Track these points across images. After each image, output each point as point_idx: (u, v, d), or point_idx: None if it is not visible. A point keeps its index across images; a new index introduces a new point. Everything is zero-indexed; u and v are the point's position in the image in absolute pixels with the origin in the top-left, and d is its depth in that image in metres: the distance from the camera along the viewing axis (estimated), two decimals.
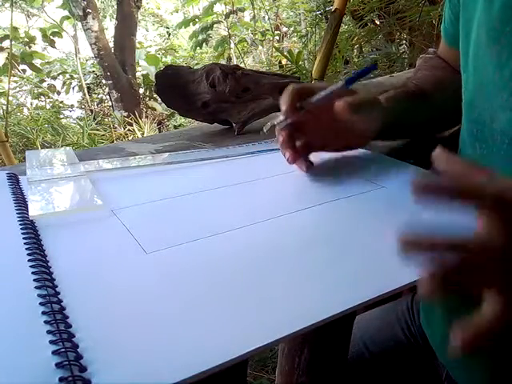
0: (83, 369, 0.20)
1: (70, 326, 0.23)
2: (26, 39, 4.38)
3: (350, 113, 0.40)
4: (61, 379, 0.19)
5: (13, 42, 3.86)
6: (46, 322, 0.23)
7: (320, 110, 0.44)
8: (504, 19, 0.38)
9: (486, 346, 0.25)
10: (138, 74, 4.34)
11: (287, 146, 0.44)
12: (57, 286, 0.26)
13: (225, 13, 3.66)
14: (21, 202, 0.37)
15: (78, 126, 3.32)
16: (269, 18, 4.52)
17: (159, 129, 4.06)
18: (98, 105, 4.78)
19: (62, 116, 4.03)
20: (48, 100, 4.26)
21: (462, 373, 0.47)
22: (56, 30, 4.44)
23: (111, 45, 3.87)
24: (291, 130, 0.44)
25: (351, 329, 0.52)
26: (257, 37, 4.30)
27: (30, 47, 4.37)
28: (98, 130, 3.20)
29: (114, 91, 3.66)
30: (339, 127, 0.45)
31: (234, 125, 0.66)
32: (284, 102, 0.43)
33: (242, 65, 3.20)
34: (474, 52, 0.42)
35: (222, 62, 4.11)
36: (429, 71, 0.57)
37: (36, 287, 0.25)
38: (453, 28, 0.51)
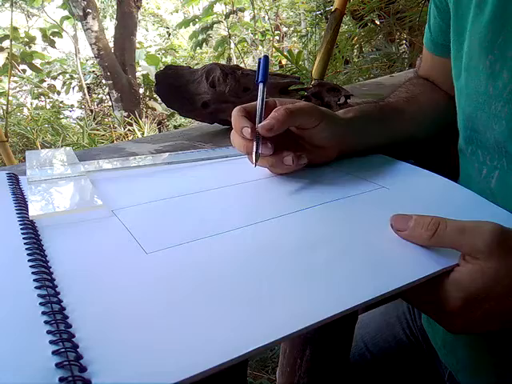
0: (83, 369, 0.20)
1: (70, 326, 0.23)
2: (26, 39, 4.38)
3: (287, 117, 0.40)
4: (61, 379, 0.19)
5: (13, 42, 3.86)
6: (46, 322, 0.23)
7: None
8: (495, 30, 0.38)
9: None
10: (137, 74, 4.34)
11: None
12: (57, 286, 0.26)
13: (225, 13, 3.67)
14: (21, 202, 0.36)
15: (78, 126, 3.32)
16: (269, 18, 4.53)
17: (159, 129, 4.06)
18: (98, 105, 4.78)
19: (62, 116, 4.03)
20: (48, 100, 4.26)
21: (465, 374, 0.47)
22: (56, 30, 4.45)
23: (111, 45, 3.87)
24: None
25: (353, 330, 0.52)
26: (257, 37, 4.30)
27: (30, 47, 4.38)
28: (97, 130, 3.20)
29: (113, 91, 3.67)
30: (297, 140, 0.43)
31: None
32: (244, 126, 0.40)
33: (242, 65, 3.20)
34: (466, 62, 0.42)
35: (222, 62, 4.11)
36: (403, 88, 0.56)
37: (36, 287, 0.25)
38: (442, 37, 0.51)
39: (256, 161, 0.41)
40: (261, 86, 0.44)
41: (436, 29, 0.52)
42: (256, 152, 0.40)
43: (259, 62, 0.45)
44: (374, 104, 0.50)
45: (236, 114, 0.41)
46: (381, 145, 0.48)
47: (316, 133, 0.42)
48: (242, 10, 4.31)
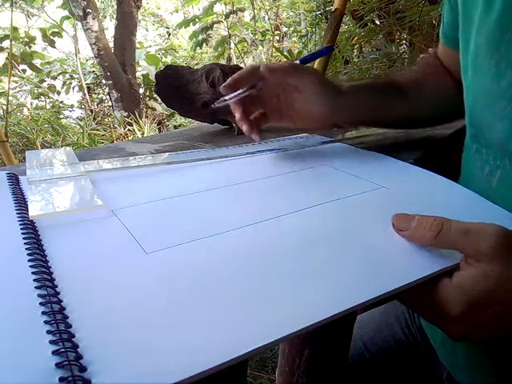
0: (83, 369, 0.20)
1: (70, 326, 0.23)
2: (26, 39, 4.38)
3: (286, 69, 0.45)
4: (61, 379, 0.19)
5: (13, 42, 3.86)
6: (46, 322, 0.23)
7: (276, 84, 0.48)
8: (502, 28, 0.38)
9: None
10: (138, 74, 4.34)
11: (242, 119, 0.48)
12: (57, 286, 0.26)
13: (225, 13, 3.66)
14: (21, 202, 0.36)
15: (78, 126, 3.32)
16: (269, 18, 4.52)
17: (159, 129, 4.06)
18: (98, 105, 4.78)
19: (62, 116, 4.03)
20: (48, 100, 4.26)
21: (464, 374, 0.47)
22: (56, 29, 4.44)
23: (111, 45, 3.87)
24: (245, 103, 0.48)
25: (352, 329, 0.52)
26: (257, 37, 4.30)
27: (30, 47, 4.37)
28: (97, 130, 3.20)
29: (114, 91, 3.67)
30: (292, 101, 0.48)
31: (233, 125, 0.66)
32: (239, 78, 0.46)
33: (241, 65, 3.19)
34: (472, 60, 0.42)
35: (222, 62, 4.11)
36: (418, 67, 0.58)
37: (36, 287, 0.25)
38: (453, 31, 0.51)
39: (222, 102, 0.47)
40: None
41: (448, 22, 0.53)
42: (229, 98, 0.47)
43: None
44: (382, 80, 0.53)
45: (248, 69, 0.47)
46: (379, 122, 0.51)
47: (311, 97, 0.46)
48: (242, 9, 4.31)
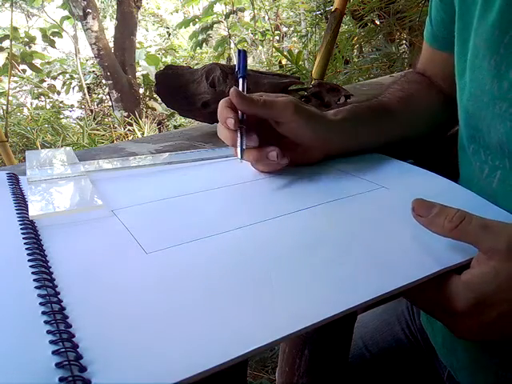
0: (83, 369, 0.20)
1: (70, 326, 0.23)
2: (25, 39, 4.38)
3: (259, 102, 0.41)
4: (61, 379, 0.19)
5: (13, 42, 3.86)
6: (46, 322, 0.23)
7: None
8: (502, 29, 0.38)
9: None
10: (138, 74, 4.34)
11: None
12: (57, 286, 0.26)
13: (225, 13, 3.67)
14: (21, 202, 0.36)
15: (78, 126, 3.32)
16: (269, 18, 4.53)
17: (159, 129, 4.06)
18: (97, 105, 4.78)
19: (62, 116, 4.02)
20: (48, 100, 4.26)
21: (465, 374, 0.47)
22: (56, 29, 4.45)
23: (111, 45, 3.87)
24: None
25: (352, 330, 0.52)
26: (257, 37, 4.30)
27: (30, 47, 4.38)
28: (98, 130, 3.20)
29: (114, 91, 3.67)
30: (281, 139, 0.43)
31: None
32: (228, 117, 0.40)
33: None
34: (471, 60, 0.42)
35: (222, 62, 4.12)
36: (400, 86, 0.55)
37: (36, 287, 0.25)
38: (445, 30, 0.50)
39: (241, 156, 0.41)
40: (241, 80, 0.45)
41: (438, 21, 0.51)
42: (241, 147, 0.41)
43: (239, 55, 0.46)
44: (366, 104, 0.50)
45: (221, 104, 0.42)
46: (371, 147, 0.48)
47: (297, 130, 0.42)
48: (242, 9, 4.31)
